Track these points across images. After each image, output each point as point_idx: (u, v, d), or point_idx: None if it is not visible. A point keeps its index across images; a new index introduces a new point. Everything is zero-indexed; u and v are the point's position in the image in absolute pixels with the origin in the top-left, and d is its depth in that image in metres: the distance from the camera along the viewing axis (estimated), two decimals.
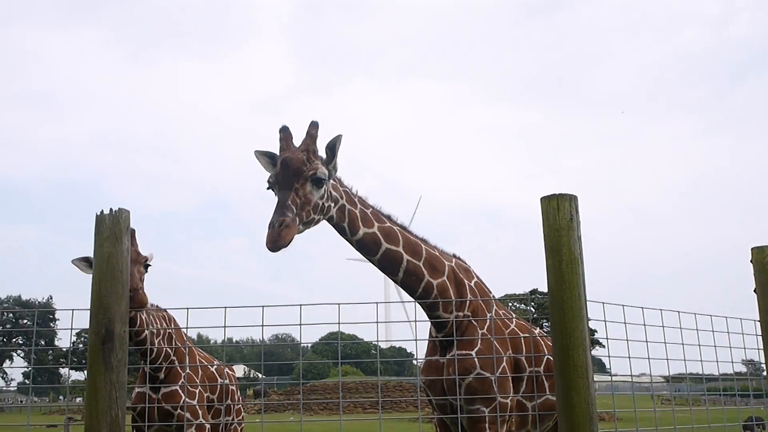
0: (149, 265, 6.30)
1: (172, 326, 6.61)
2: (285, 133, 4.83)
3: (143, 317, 6.19)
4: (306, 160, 4.65)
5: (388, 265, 5.05)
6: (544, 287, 3.99)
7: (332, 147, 4.82)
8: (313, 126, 4.79)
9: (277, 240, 4.39)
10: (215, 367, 7.23)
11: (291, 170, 4.61)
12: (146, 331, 6.15)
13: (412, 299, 5.13)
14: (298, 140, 4.82)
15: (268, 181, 4.75)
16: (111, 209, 3.97)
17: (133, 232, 6.35)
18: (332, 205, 4.82)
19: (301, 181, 4.60)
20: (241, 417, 7.82)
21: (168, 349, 6.43)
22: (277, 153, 4.80)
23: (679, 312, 4.81)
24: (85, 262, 5.75)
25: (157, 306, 6.52)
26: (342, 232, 4.95)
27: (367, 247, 4.99)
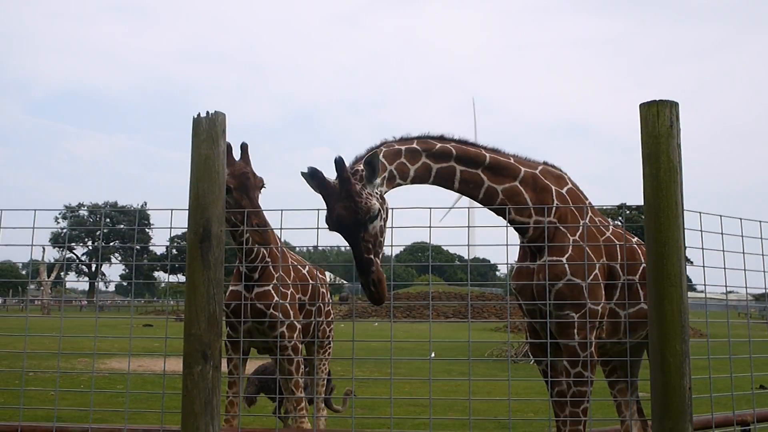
0: (264, 187, 6.29)
1: (268, 227, 6.74)
2: (317, 180, 4.66)
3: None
4: (356, 208, 4.55)
5: (443, 181, 5.10)
6: (632, 201, 3.92)
7: (370, 163, 4.67)
8: (340, 167, 4.56)
9: (379, 299, 4.53)
10: (307, 269, 7.40)
11: (349, 227, 4.57)
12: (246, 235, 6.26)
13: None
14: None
15: (328, 227, 4.69)
16: (207, 112, 4.04)
17: (245, 146, 6.26)
18: (384, 209, 4.75)
19: (363, 229, 4.57)
20: (330, 318, 8.03)
21: (264, 249, 6.59)
22: (318, 171, 4.65)
23: None
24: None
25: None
26: (398, 186, 4.99)
27: (418, 180, 5.06)
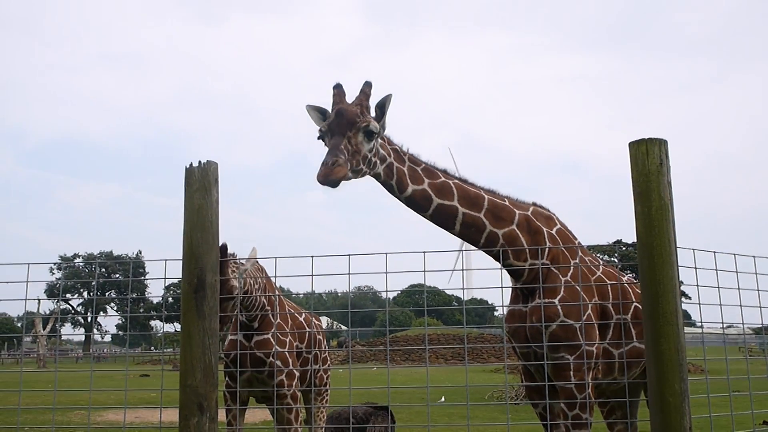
0: (233, 297, 6.00)
1: (264, 275, 6.74)
2: (338, 90, 4.95)
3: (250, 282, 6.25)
4: (360, 113, 4.80)
5: (442, 219, 5.10)
6: (627, 238, 3.92)
7: (382, 106, 4.93)
8: (367, 85, 4.93)
9: (329, 174, 4.53)
10: (303, 316, 7.39)
11: (345, 119, 4.76)
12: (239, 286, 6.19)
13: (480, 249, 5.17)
14: (350, 99, 4.94)
15: (320, 130, 4.90)
16: (200, 161, 4.05)
17: (224, 248, 5.77)
18: (379, 162, 4.92)
19: (354, 131, 4.74)
20: (327, 365, 7.98)
21: (263, 299, 6.57)
22: (328, 109, 4.93)
23: None
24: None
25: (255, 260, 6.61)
26: (390, 189, 5.03)
27: (416, 204, 5.06)
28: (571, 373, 4.90)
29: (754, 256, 4.57)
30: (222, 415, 6.25)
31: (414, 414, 18.99)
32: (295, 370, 6.73)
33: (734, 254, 4.45)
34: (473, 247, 5.20)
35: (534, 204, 5.42)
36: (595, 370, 5.10)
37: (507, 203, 5.24)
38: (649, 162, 3.73)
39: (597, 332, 5.10)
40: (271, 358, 6.46)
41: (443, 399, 20.08)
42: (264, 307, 6.58)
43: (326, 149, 4.74)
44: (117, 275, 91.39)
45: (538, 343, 5.01)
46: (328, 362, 8.05)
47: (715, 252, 4.34)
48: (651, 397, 3.65)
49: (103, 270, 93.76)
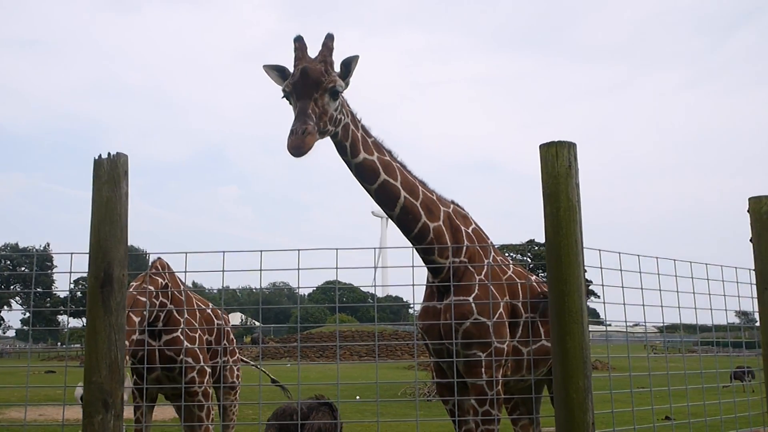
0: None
1: (167, 272, 6.60)
2: (300, 43, 4.86)
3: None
4: (324, 71, 4.72)
5: (385, 197, 5.08)
6: (540, 238, 4.01)
7: (348, 64, 4.86)
8: (329, 38, 4.84)
9: (301, 146, 4.45)
10: (210, 308, 7.27)
11: (311, 80, 4.67)
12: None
13: (409, 243, 5.17)
14: (312, 53, 4.87)
15: (284, 90, 4.80)
16: (109, 153, 3.95)
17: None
18: (342, 118, 4.88)
19: (320, 92, 4.68)
20: (236, 358, 7.88)
21: (163, 300, 6.42)
22: (287, 66, 4.86)
23: (674, 260, 4.84)
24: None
25: (158, 259, 6.47)
26: (343, 151, 4.98)
27: (365, 174, 5.03)
28: (483, 370, 4.97)
29: (656, 258, 4.73)
30: (129, 412, 6.10)
31: None
32: (206, 367, 6.63)
33: (638, 255, 4.59)
34: (387, 246, 5.24)
35: (453, 202, 5.49)
36: (505, 368, 5.19)
37: (434, 198, 5.29)
38: (558, 164, 3.81)
39: (508, 330, 5.18)
40: (181, 356, 6.35)
41: (358, 398, 20.12)
42: (165, 306, 6.44)
43: (292, 111, 4.65)
44: (23, 268, 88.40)
45: (451, 341, 5.07)
46: (237, 354, 7.95)
47: (620, 253, 4.47)
48: (556, 393, 3.73)
49: (8, 262, 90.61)
